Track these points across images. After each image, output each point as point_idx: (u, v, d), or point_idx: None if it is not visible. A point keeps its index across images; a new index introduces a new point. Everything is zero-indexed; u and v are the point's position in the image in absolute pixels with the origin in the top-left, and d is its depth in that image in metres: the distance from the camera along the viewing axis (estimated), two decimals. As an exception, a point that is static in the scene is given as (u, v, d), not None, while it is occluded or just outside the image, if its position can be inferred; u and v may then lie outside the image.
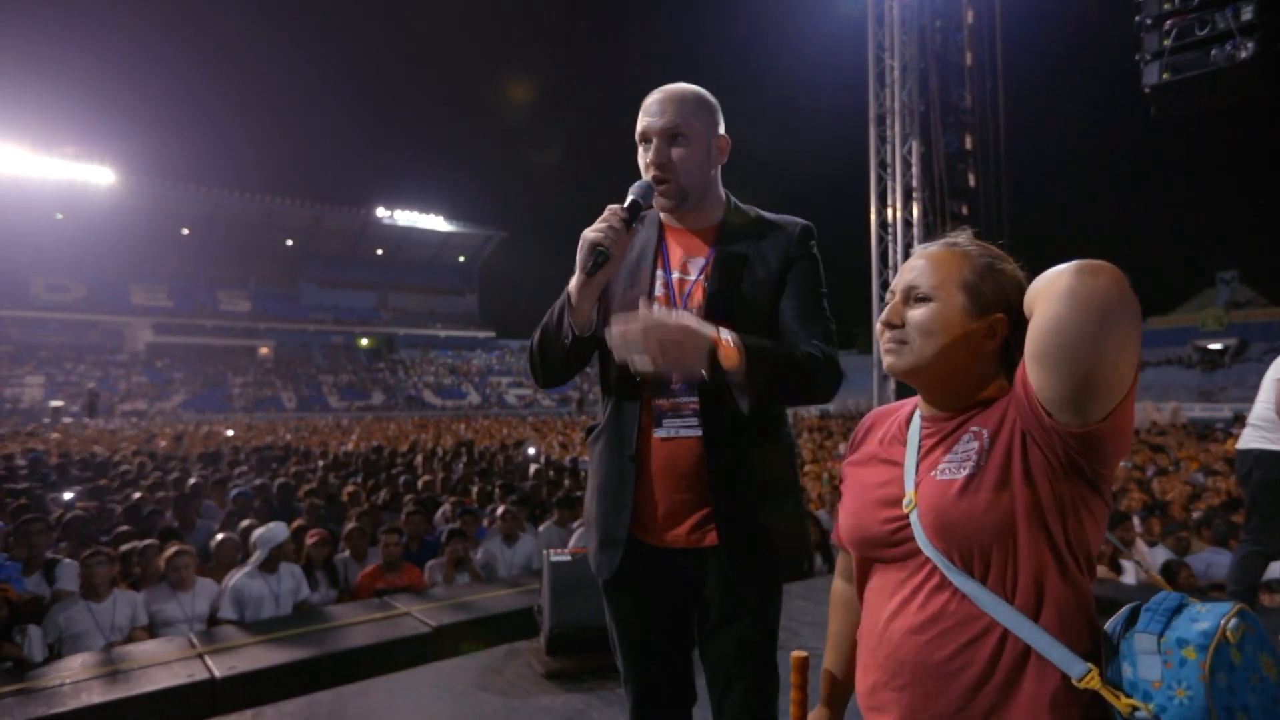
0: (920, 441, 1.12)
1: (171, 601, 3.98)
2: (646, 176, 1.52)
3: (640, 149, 1.55)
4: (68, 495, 6.54)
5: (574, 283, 1.46)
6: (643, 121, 1.52)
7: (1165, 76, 4.67)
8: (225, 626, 3.89)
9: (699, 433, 1.47)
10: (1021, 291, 1.05)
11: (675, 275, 1.56)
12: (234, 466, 9.61)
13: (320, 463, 10.41)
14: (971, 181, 15.27)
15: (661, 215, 1.61)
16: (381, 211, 57.00)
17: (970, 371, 1.07)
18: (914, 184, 12.86)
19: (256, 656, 3.40)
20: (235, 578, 4.19)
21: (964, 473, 1.00)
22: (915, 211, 12.77)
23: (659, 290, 1.55)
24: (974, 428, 1.04)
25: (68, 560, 4.21)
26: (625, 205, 1.46)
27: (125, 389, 41.39)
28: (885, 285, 12.22)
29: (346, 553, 5.08)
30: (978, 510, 0.98)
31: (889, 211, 12.94)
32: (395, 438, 17.71)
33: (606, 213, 1.44)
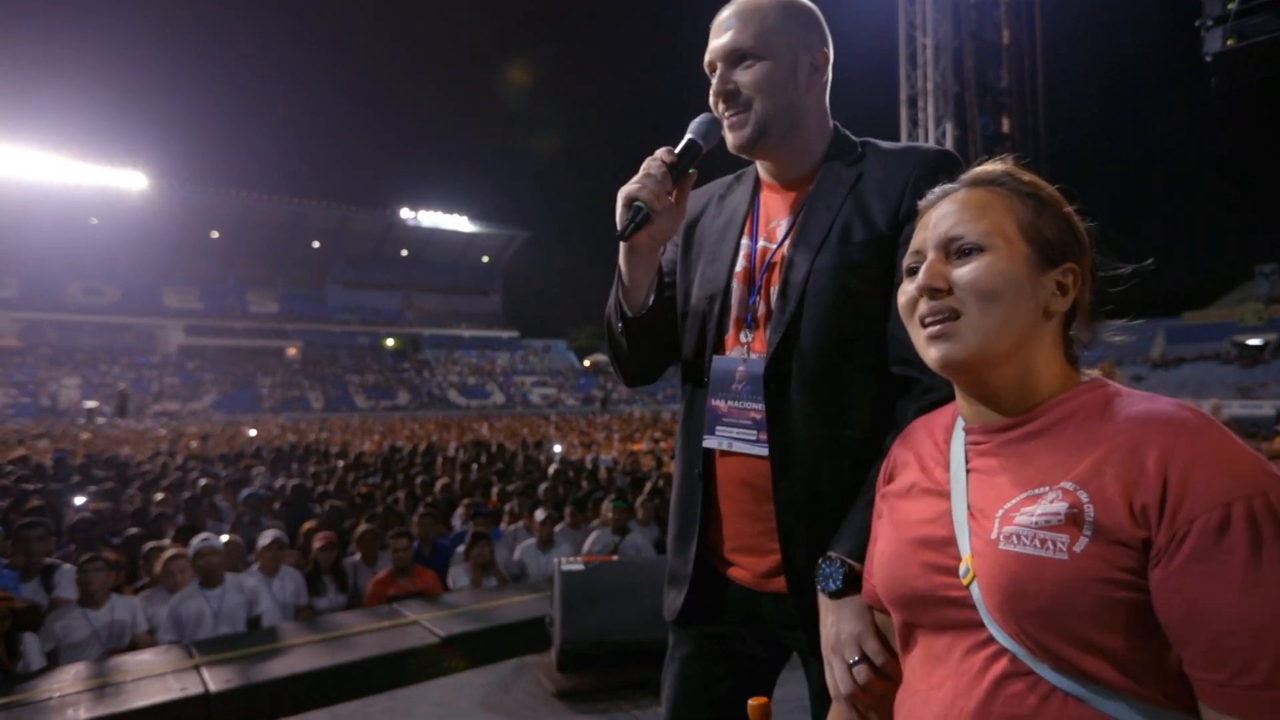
0: (966, 464, 0.83)
1: (164, 607, 3.82)
2: (716, 112, 1.20)
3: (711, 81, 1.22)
4: (80, 498, 6.45)
5: (621, 253, 1.18)
6: (710, 47, 1.20)
7: (1229, 43, 4.29)
8: (226, 636, 3.73)
9: (763, 451, 1.14)
10: (1084, 235, 0.83)
11: (760, 243, 1.23)
12: (250, 467, 9.53)
13: (340, 463, 10.32)
14: (1010, 166, 14.64)
15: (758, 166, 1.29)
16: (406, 213, 57.40)
17: (1038, 351, 0.80)
18: None
19: (255, 669, 3.22)
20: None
21: (1051, 552, 0.70)
22: None
23: (740, 264, 1.23)
24: (1063, 484, 0.73)
25: (67, 566, 4.08)
26: (678, 148, 1.16)
27: (158, 390, 42.04)
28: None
29: (357, 556, 4.92)
30: (1079, 603, 0.69)
31: None
32: (416, 438, 17.65)
33: (649, 159, 1.14)
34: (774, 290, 1.17)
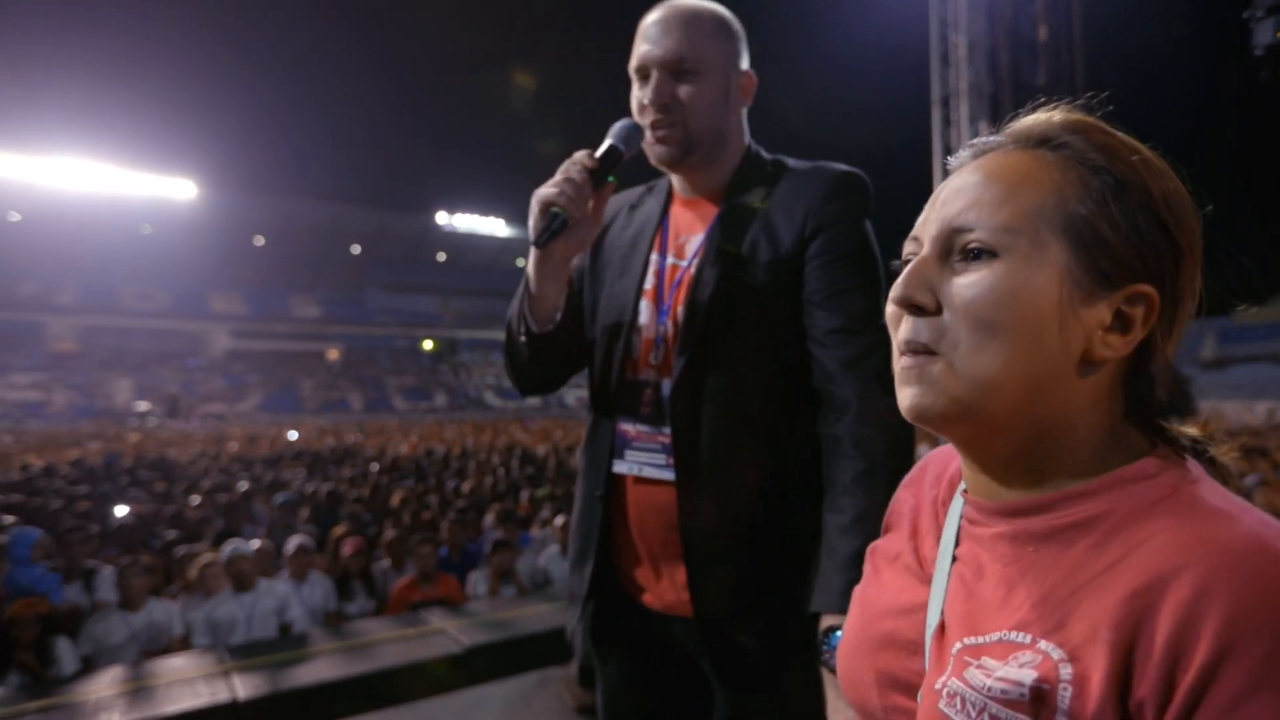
0: (955, 547, 0.60)
1: (200, 612, 3.90)
2: (641, 120, 1.15)
3: (635, 85, 1.16)
4: (122, 502, 6.63)
5: (530, 260, 1.12)
6: (639, 50, 1.15)
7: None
8: (257, 641, 3.79)
9: (669, 475, 1.10)
10: (1193, 239, 0.53)
11: (669, 260, 1.20)
12: (289, 471, 9.72)
13: (375, 466, 10.47)
14: (1047, 167, 14.11)
15: (672, 180, 1.25)
16: (442, 216, 58.17)
17: (1068, 410, 0.53)
18: None
19: (283, 677, 3.26)
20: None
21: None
22: None
23: (649, 281, 1.19)
24: (1044, 643, 0.48)
25: (107, 569, 4.18)
26: (599, 152, 1.11)
27: (205, 392, 43.20)
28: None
29: (387, 562, 4.96)
30: None
31: None
32: (451, 441, 17.84)
33: (567, 162, 1.09)
34: (680, 310, 1.13)
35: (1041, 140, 0.56)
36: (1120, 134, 0.56)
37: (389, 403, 47.66)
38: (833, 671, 0.88)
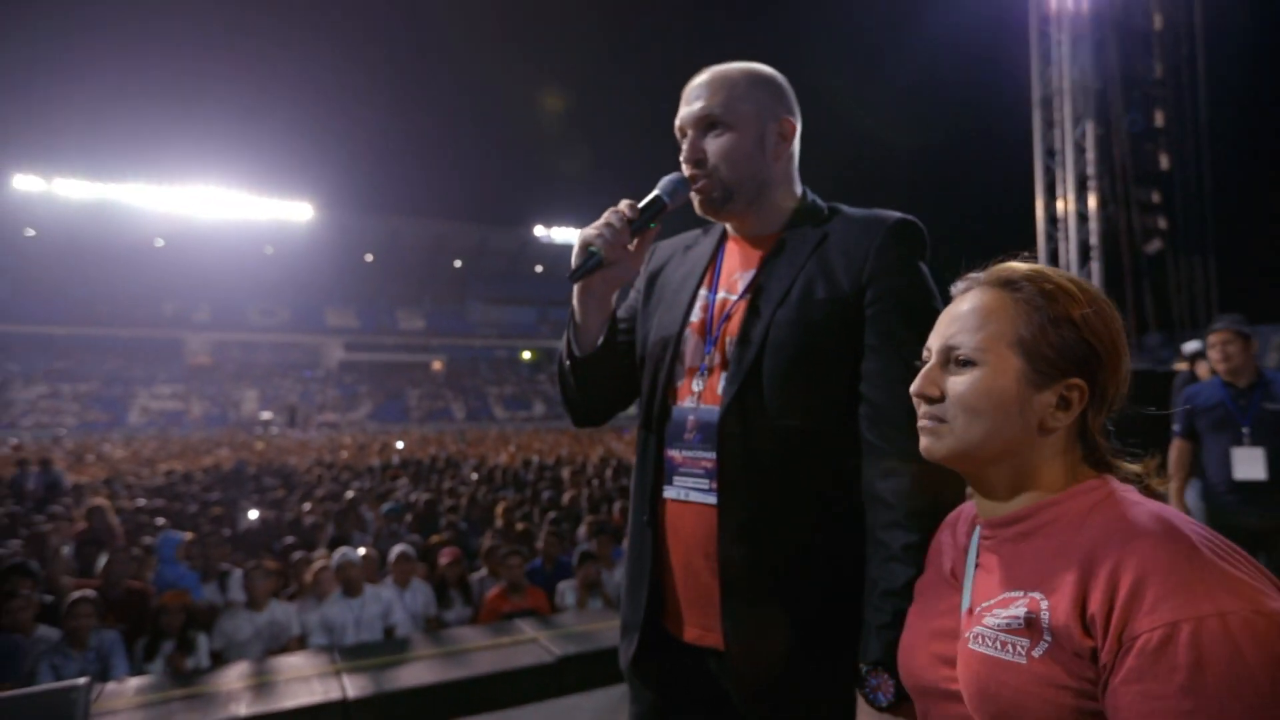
0: (976, 558, 0.86)
1: (315, 614, 4.20)
2: (686, 174, 1.24)
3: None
4: (248, 508, 7.21)
5: (574, 292, 1.23)
6: (679, 111, 1.24)
7: None
8: (365, 644, 4.05)
9: (712, 499, 1.13)
10: (1108, 343, 0.81)
11: (720, 295, 1.24)
12: (395, 478, 10.25)
13: (474, 475, 10.89)
14: (1164, 164, 13.10)
15: (726, 224, 1.32)
16: (540, 230, 59.73)
17: (1035, 456, 0.81)
18: (1089, 171, 10.93)
19: (387, 678, 3.48)
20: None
21: (1010, 655, 0.73)
22: (1091, 202, 10.84)
23: (697, 314, 1.25)
24: (1033, 590, 0.74)
25: (237, 571, 4.57)
26: (642, 203, 1.21)
27: (321, 402, 46.04)
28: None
29: (484, 571, 5.18)
30: (1033, 708, 0.70)
31: (1059, 204, 11.15)
32: (547, 451, 18.27)
33: (611, 209, 1.20)
34: (730, 340, 1.17)
35: (1006, 283, 0.84)
36: (1062, 281, 0.82)
37: (490, 411, 49.31)
38: (871, 702, 0.99)
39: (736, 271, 1.25)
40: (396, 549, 4.69)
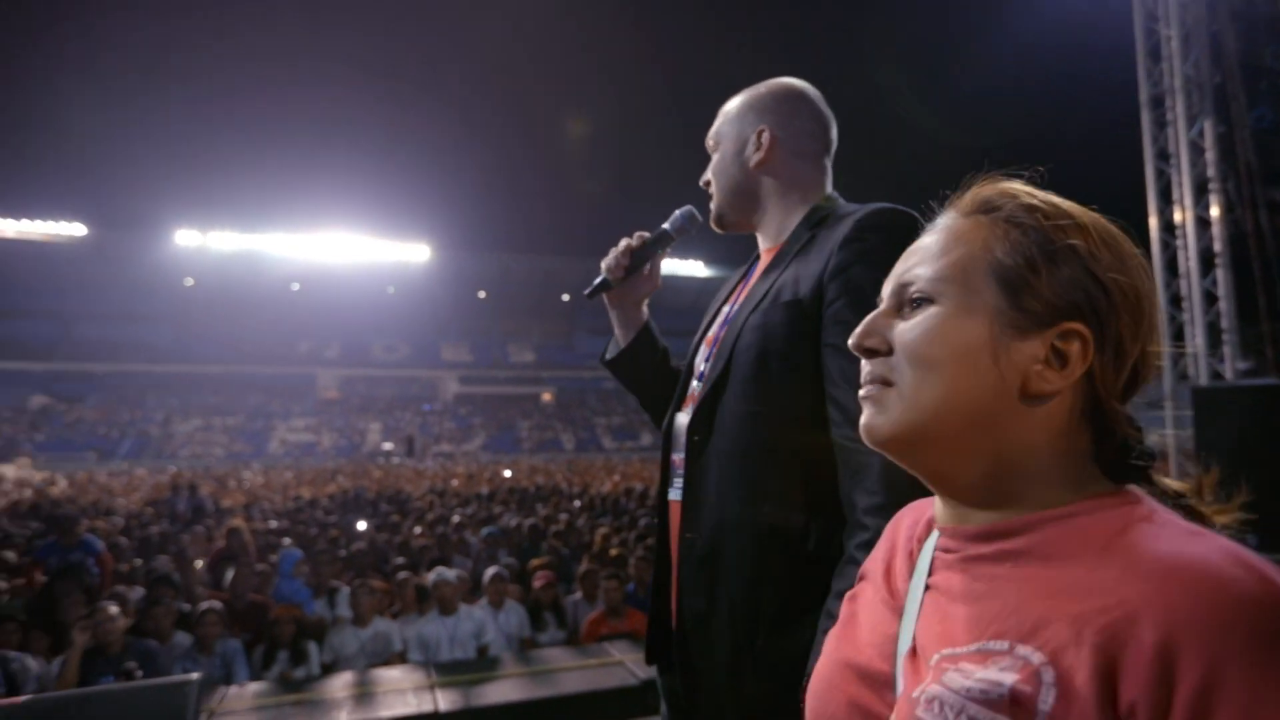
0: (928, 575, 0.62)
1: (412, 630, 4.39)
2: None
3: None
4: (362, 528, 7.64)
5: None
6: None
7: None
8: (459, 661, 4.20)
9: (679, 495, 1.22)
10: (1124, 281, 0.57)
11: (734, 308, 1.28)
12: (502, 505, 10.58)
13: (577, 503, 11.09)
14: (1298, 162, 11.65)
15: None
16: (644, 263, 60.74)
17: (1019, 441, 0.56)
18: (1209, 173, 9.78)
19: (478, 693, 3.60)
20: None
21: None
22: (1214, 208, 9.66)
23: (713, 329, 1.33)
24: (1023, 648, 0.50)
25: (345, 588, 4.86)
26: (651, 235, 1.37)
27: (437, 433, 48.23)
28: (1175, 302, 9.46)
29: (579, 594, 5.26)
30: None
31: (1175, 211, 10.01)
32: (651, 479, 18.34)
33: (625, 238, 1.37)
34: (715, 349, 1.24)
35: (979, 208, 0.63)
36: (1054, 200, 0.61)
37: (598, 441, 50.08)
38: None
39: (753, 284, 1.29)
40: (491, 570, 4.85)
